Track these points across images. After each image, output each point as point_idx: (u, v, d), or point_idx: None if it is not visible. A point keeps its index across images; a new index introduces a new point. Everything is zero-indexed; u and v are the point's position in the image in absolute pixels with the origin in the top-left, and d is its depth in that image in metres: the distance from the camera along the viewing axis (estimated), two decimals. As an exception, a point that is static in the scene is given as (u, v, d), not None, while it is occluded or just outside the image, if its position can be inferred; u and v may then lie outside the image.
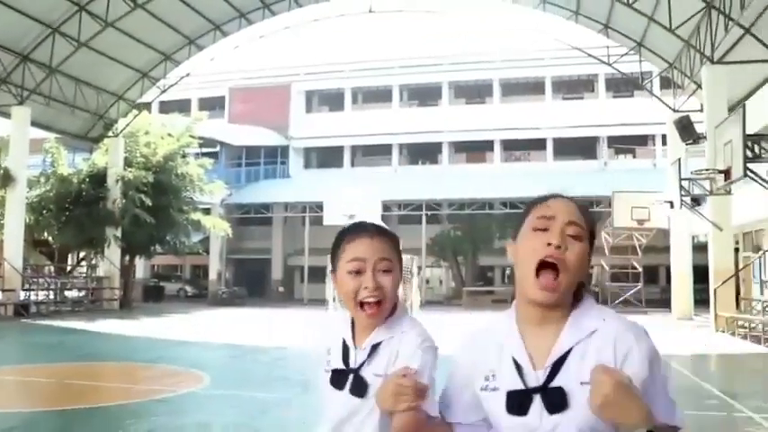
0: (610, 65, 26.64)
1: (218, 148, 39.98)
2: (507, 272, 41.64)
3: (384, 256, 1.73)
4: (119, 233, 27.02)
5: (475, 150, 42.98)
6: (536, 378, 1.40)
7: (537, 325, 1.45)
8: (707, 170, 16.29)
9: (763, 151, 13.32)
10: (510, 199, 33.72)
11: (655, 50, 25.69)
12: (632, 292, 27.82)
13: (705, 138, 18.74)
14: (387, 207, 31.81)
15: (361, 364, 1.72)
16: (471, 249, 37.39)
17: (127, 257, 28.97)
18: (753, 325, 15.68)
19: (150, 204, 26.38)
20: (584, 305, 1.48)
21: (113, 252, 27.64)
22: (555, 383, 1.38)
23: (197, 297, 37.89)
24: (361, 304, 1.71)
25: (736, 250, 26.30)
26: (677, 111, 24.60)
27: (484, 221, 36.08)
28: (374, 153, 44.17)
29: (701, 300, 22.26)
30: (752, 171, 13.28)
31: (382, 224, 1.91)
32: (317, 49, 44.49)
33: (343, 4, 28.27)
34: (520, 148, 42.89)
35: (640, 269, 28.06)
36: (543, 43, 30.13)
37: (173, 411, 7.71)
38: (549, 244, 1.41)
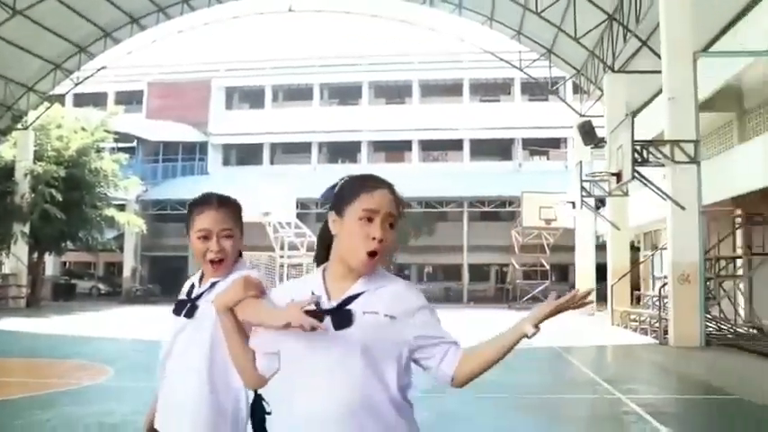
0: (521, 69, 27.63)
1: (134, 144, 39.31)
2: (427, 270, 42.58)
3: (225, 226, 2.27)
4: (26, 229, 26.32)
5: (394, 150, 43.69)
6: (329, 305, 1.84)
7: (340, 279, 1.89)
8: (600, 173, 17.30)
9: (651, 156, 14.26)
10: (427, 198, 34.48)
11: (564, 57, 26.83)
12: (540, 289, 28.90)
13: (606, 142, 19.80)
14: (304, 205, 32.03)
15: (200, 295, 2.28)
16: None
17: (35, 254, 28.24)
18: (642, 318, 16.75)
19: (61, 199, 25.81)
20: (379, 271, 1.91)
21: (20, 248, 26.84)
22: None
23: (110, 295, 37.06)
24: (211, 261, 2.26)
25: (638, 249, 27.80)
26: (583, 115, 25.77)
27: (400, 220, 36.63)
28: (294, 151, 44.29)
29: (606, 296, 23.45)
30: (640, 174, 14.22)
31: (226, 195, 2.39)
32: (239, 46, 44.19)
33: (263, 2, 28.39)
34: (438, 148, 43.84)
35: (548, 267, 29.17)
36: (463, 46, 30.97)
37: (75, 402, 7.84)
38: (373, 238, 1.82)
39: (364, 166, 42.47)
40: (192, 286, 2.36)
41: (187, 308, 2.29)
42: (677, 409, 8.02)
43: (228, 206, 2.32)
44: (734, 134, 19.57)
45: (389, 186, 1.94)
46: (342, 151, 44.50)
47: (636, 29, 20.18)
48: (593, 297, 24.53)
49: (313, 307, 1.78)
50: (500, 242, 33.11)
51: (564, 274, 34.39)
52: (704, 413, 8.00)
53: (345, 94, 45.39)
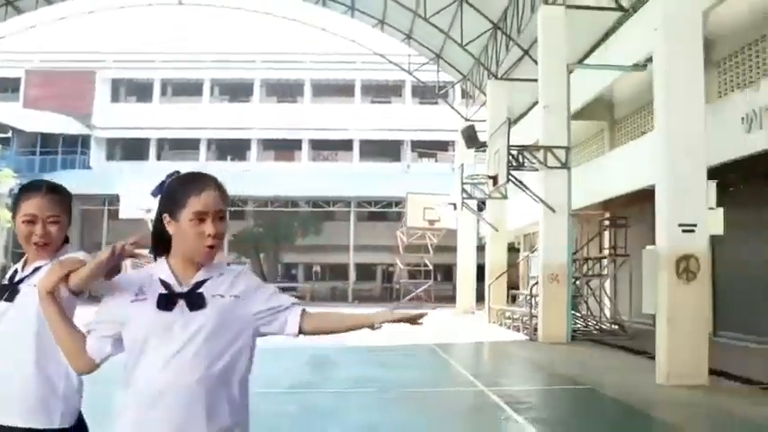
0: (410, 73, 28.18)
1: (9, 134, 37.25)
2: (315, 269, 42.53)
3: (52, 213, 2.35)
4: None
5: (284, 149, 43.44)
6: (181, 289, 2.00)
7: (185, 269, 2.05)
8: (478, 175, 17.94)
9: (526, 161, 14.94)
10: (315, 198, 34.48)
11: (451, 63, 27.55)
12: (423, 288, 29.54)
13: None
14: (190, 202, 31.27)
15: (21, 279, 2.34)
16: (274, 246, 37.74)
17: None
18: (516, 316, 17.50)
19: None
20: (216, 260, 2.09)
21: None
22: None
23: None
24: (35, 244, 2.33)
25: (518, 250, 28.92)
26: (468, 120, 26.57)
27: (288, 219, 36.60)
28: (182, 147, 43.17)
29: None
30: (515, 178, 14.87)
31: (58, 183, 2.47)
32: (127, 38, 42.60)
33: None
34: (328, 148, 43.95)
35: (431, 267, 29.85)
36: (356, 48, 31.22)
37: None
38: (209, 235, 2.00)
39: (253, 164, 42.07)
40: (15, 271, 2.39)
41: (8, 292, 2.31)
42: (534, 399, 8.49)
43: (57, 194, 2.39)
44: (605, 142, 20.73)
45: (214, 182, 2.10)
46: (231, 149, 43.80)
47: (518, 38, 21.04)
48: (473, 296, 25.52)
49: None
50: (386, 242, 33.54)
51: (448, 273, 35.19)
52: (557, 402, 8.52)
53: (236, 91, 44.70)
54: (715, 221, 10.25)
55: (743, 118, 11.15)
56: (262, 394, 8.01)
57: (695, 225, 8.93)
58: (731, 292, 14.33)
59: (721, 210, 10.65)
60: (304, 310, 2.11)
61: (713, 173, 11.79)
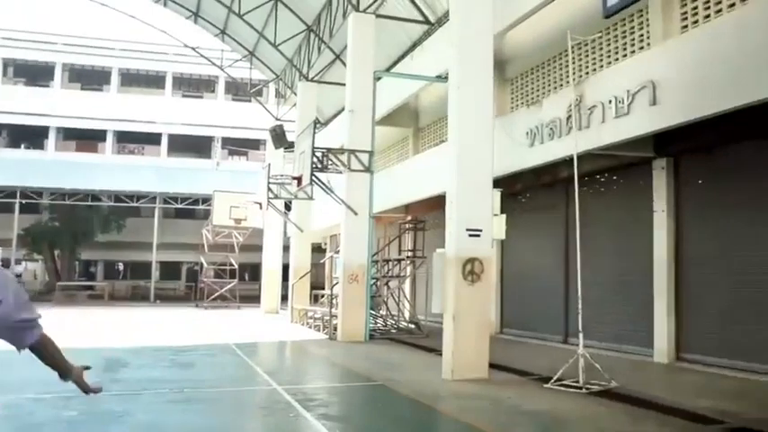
0: (221, 68, 27.66)
1: None
2: (117, 267, 40.51)
3: None
4: None
5: (86, 139, 40.94)
6: None
7: None
8: (282, 175, 18.01)
9: (330, 163, 15.20)
10: (118, 192, 32.77)
11: (265, 61, 27.43)
12: (228, 287, 29.12)
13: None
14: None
15: None
16: (70, 243, 35.36)
17: None
18: (317, 316, 17.74)
19: None
20: None
21: None
22: None
23: None
24: None
25: (325, 251, 29.32)
26: (280, 120, 26.58)
27: (88, 214, 34.48)
28: (-34, 131, 39.40)
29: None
30: (319, 179, 15.08)
31: None
32: None
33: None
34: (134, 140, 42.04)
35: (237, 266, 29.48)
36: (168, 39, 30.00)
37: None
38: None
39: (51, 153, 39.22)
40: None
41: None
42: (326, 396, 8.66)
43: None
44: (410, 148, 21.59)
45: None
46: (26, 136, 40.50)
47: (330, 42, 21.38)
48: (278, 296, 25.49)
49: None
50: (192, 240, 32.64)
51: (254, 273, 34.95)
52: (348, 399, 8.75)
53: (35, 74, 41.47)
54: (499, 227, 11.03)
55: (527, 133, 12.12)
56: (37, 400, 7.52)
57: (481, 230, 9.56)
58: (515, 293, 15.51)
59: (504, 216, 11.48)
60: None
61: (504, 181, 12.75)
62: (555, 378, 8.65)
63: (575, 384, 8.42)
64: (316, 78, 23.38)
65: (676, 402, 7.58)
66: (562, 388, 8.40)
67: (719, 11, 9.64)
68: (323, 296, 21.83)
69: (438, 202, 15.50)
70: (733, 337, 9.78)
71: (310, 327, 18.16)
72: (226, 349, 13.46)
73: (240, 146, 42.31)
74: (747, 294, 9.56)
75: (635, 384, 8.66)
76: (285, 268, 25.02)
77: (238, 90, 40.94)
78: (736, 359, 9.63)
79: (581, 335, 8.84)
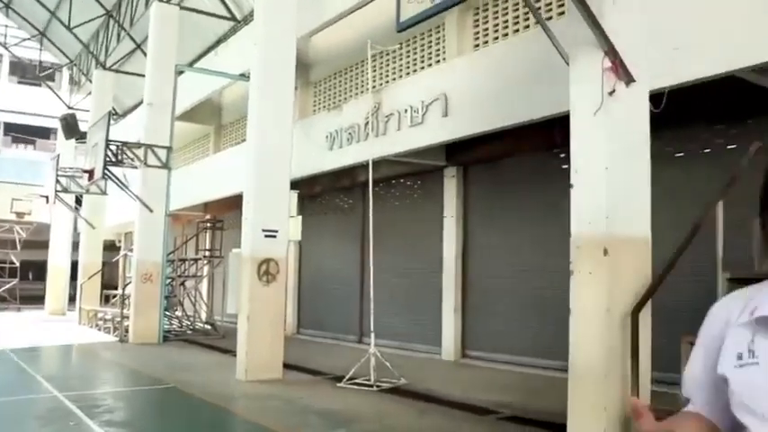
0: (5, 47, 25.44)
1: None
2: None
3: None
4: None
5: None
6: None
7: None
8: (72, 168, 16.96)
9: (125, 157, 14.50)
10: None
11: (58, 44, 25.59)
12: (7, 287, 26.85)
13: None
14: None
15: None
16: None
17: None
18: (108, 317, 16.87)
19: None
20: None
21: None
22: None
23: None
24: None
25: (119, 249, 27.88)
26: (73, 108, 24.92)
27: None
28: None
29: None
30: (113, 174, 14.33)
31: None
32: None
33: None
34: None
35: (18, 264, 27.26)
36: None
37: None
38: None
39: None
40: None
41: None
42: (112, 401, 8.27)
43: None
44: (211, 145, 21.16)
45: None
46: None
47: (131, 30, 20.42)
48: (65, 296, 23.88)
49: None
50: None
51: (40, 272, 32.40)
52: (136, 403, 8.45)
53: None
54: (295, 228, 11.18)
55: (327, 136, 12.39)
56: None
57: (277, 231, 9.63)
58: (312, 293, 15.76)
59: (300, 218, 11.65)
60: None
61: (303, 183, 12.93)
62: (347, 377, 8.93)
63: (366, 383, 8.75)
64: (114, 67, 22.22)
65: (459, 396, 8.14)
66: (354, 386, 8.68)
67: (506, 34, 10.46)
68: (115, 296, 20.78)
69: (237, 202, 15.37)
70: (514, 335, 10.63)
71: (100, 329, 17.22)
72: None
73: (27, 133, 39.00)
74: (526, 294, 10.43)
75: (422, 381, 9.16)
76: (75, 267, 23.49)
77: (26, 72, 37.77)
78: (515, 355, 10.48)
79: (372, 334, 9.20)
